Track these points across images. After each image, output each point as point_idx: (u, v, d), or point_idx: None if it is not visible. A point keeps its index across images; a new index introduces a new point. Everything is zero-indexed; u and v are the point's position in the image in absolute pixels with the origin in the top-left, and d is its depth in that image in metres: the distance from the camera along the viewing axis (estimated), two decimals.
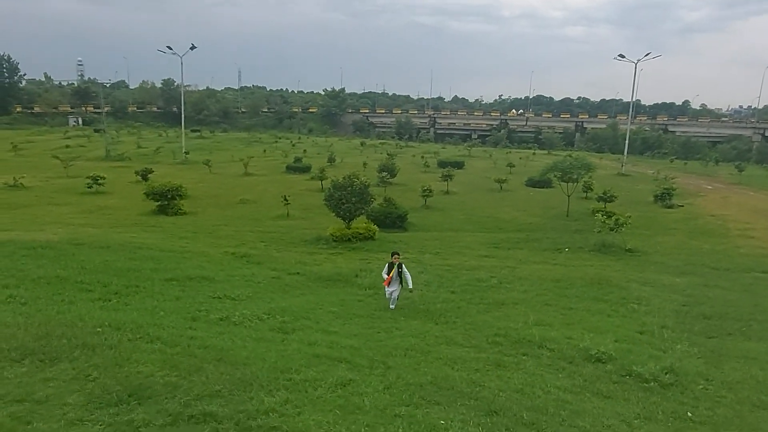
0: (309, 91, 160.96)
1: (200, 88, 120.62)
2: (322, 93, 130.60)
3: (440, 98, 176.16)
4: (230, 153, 53.80)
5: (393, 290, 10.45)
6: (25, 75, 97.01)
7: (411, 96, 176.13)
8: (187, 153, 50.03)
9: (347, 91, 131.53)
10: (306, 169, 43.78)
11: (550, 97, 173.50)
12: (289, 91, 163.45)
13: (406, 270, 10.34)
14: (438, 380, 5.47)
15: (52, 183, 33.79)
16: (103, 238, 16.99)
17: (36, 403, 3.86)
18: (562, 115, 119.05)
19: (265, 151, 59.63)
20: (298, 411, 4.09)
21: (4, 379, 4.39)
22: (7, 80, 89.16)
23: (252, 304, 9.72)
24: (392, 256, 10.58)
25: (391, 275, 10.25)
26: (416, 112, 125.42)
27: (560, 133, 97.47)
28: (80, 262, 12.31)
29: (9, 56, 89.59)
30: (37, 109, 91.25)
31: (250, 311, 8.74)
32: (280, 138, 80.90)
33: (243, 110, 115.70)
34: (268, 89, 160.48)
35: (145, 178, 34.13)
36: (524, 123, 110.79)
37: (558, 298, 12.36)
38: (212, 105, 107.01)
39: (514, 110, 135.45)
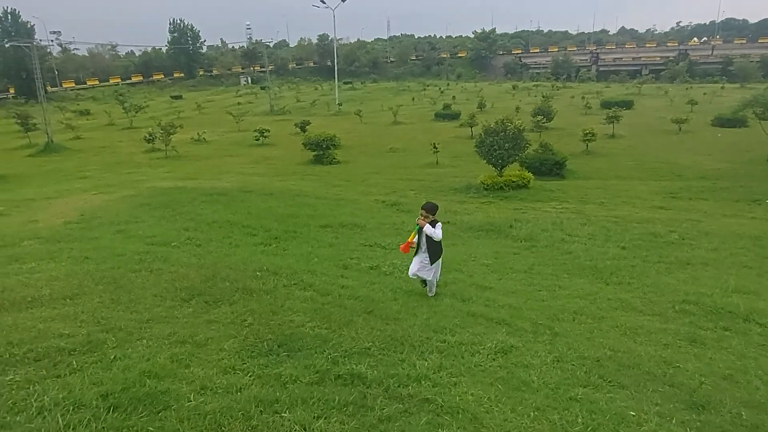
0: (457, 35, 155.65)
1: (351, 41, 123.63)
2: (471, 36, 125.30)
3: (604, 31, 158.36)
4: (380, 102, 54.61)
5: (416, 269, 6.19)
6: (205, 42, 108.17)
7: (569, 31, 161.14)
8: (340, 104, 51.89)
9: (498, 32, 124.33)
10: (455, 116, 42.65)
11: (743, 20, 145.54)
12: (437, 36, 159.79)
13: (434, 232, 5.89)
14: (618, 355, 4.60)
15: (227, 137, 37.49)
16: (268, 186, 18.24)
17: (196, 345, 3.91)
18: (760, 41, 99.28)
19: (413, 99, 59.43)
20: (454, 381, 3.61)
21: (173, 319, 4.58)
22: (191, 47, 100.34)
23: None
24: (422, 214, 6.09)
25: (411, 240, 6.24)
26: (575, 48, 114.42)
27: (757, 61, 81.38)
28: (247, 207, 13.24)
29: (192, 26, 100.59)
30: (215, 72, 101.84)
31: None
32: (428, 85, 79.96)
33: (392, 59, 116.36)
34: (416, 37, 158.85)
35: (303, 129, 36.14)
36: (709, 52, 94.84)
37: (760, 259, 10.20)
38: (363, 56, 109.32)
39: (695, 38, 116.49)
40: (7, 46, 67.61)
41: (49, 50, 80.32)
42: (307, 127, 36.38)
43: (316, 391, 3.24)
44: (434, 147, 27.22)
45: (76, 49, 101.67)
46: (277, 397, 3.13)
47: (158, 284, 5.63)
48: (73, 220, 10.83)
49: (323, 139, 27.44)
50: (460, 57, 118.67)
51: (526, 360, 4.23)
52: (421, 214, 6.01)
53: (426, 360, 3.93)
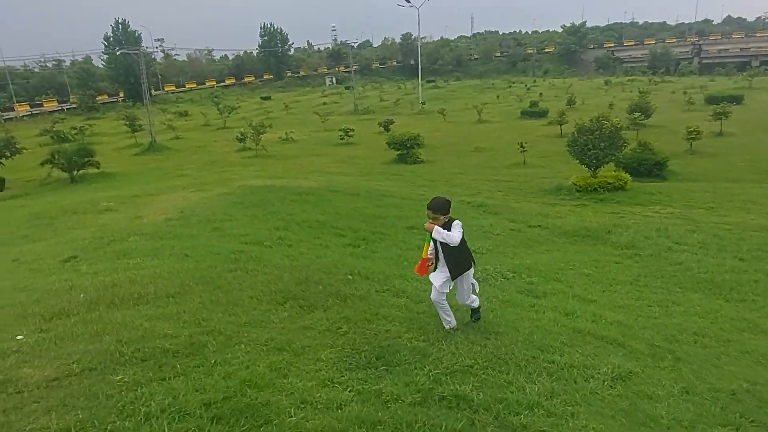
0: (544, 30, 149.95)
1: (434, 39, 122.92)
2: (560, 30, 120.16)
3: (707, 21, 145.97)
4: (463, 101, 53.74)
5: (440, 290, 4.58)
6: (293, 44, 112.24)
7: (668, 22, 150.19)
8: (423, 103, 51.62)
9: (588, 24, 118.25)
10: (542, 114, 41.00)
11: None
12: (523, 32, 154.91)
13: (449, 235, 4.33)
14: (757, 388, 3.99)
15: (313, 136, 38.47)
16: (354, 185, 18.38)
17: (294, 354, 3.83)
18: None
19: (498, 96, 57.93)
20: (570, 411, 3.24)
21: (270, 323, 4.55)
22: (280, 50, 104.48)
23: (494, 259, 9.10)
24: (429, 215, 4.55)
25: (426, 257, 4.72)
26: (675, 40, 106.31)
27: None
28: (335, 207, 13.35)
29: (281, 29, 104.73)
30: (302, 73, 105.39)
31: (492, 267, 8.11)
32: (513, 82, 77.69)
33: (475, 57, 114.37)
34: (500, 33, 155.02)
35: (386, 128, 36.27)
36: None
37: None
38: (446, 54, 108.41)
39: None
40: (118, 53, 73.86)
41: (153, 56, 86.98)
42: (390, 126, 36.49)
43: (420, 414, 3.02)
44: (521, 146, 26.25)
45: (177, 54, 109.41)
46: (379, 418, 2.94)
47: (254, 286, 5.68)
48: (173, 217, 11.40)
49: (407, 139, 27.34)
50: (547, 52, 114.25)
51: (649, 390, 3.75)
52: (428, 215, 4.45)
53: (535, 384, 3.58)
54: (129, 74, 74.76)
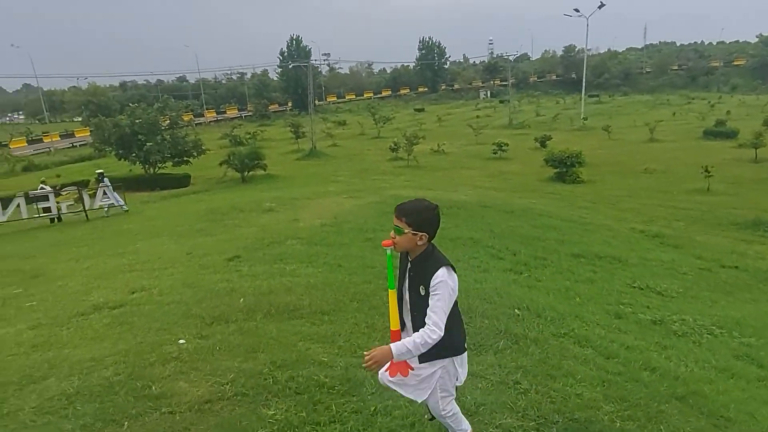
0: (733, 40, 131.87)
1: (600, 51, 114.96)
2: (754, 40, 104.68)
3: None
4: (631, 117, 48.93)
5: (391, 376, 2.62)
6: (449, 57, 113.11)
7: None
8: (585, 119, 48.10)
9: None
10: (731, 135, 35.56)
11: None
12: (706, 43, 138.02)
13: (432, 321, 2.34)
14: None
15: (465, 149, 37.78)
16: (507, 202, 17.26)
17: (467, 412, 3.11)
18: None
19: (674, 114, 51.79)
20: None
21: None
22: (437, 63, 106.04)
23: (688, 306, 7.50)
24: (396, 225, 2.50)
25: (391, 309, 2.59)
26: None
27: None
28: (488, 225, 12.46)
29: (439, 43, 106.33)
30: (456, 86, 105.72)
31: (690, 317, 6.61)
32: (693, 98, 69.15)
33: (647, 70, 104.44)
34: (678, 44, 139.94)
35: (543, 144, 34.25)
36: None
37: None
38: (613, 67, 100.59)
39: None
40: (290, 67, 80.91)
41: (319, 69, 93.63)
42: (547, 142, 34.39)
43: None
44: (705, 170, 22.73)
45: (340, 68, 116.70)
46: None
47: None
48: (328, 223, 11.49)
49: (567, 156, 25.32)
50: (736, 65, 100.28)
51: None
52: (395, 226, 2.49)
53: None
54: (297, 85, 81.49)
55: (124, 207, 19.42)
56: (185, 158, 30.85)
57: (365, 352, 2.33)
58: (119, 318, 4.91)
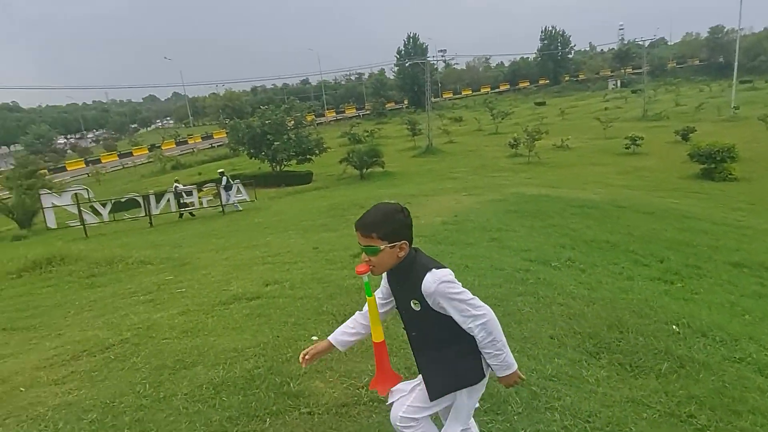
0: None
1: (755, 31, 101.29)
2: None
3: None
4: None
5: (412, 408, 2.20)
6: (574, 46, 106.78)
7: None
8: (736, 108, 42.59)
9: None
10: None
11: None
12: None
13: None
14: None
15: (592, 144, 35.33)
16: (644, 201, 15.71)
17: None
18: None
19: None
20: None
21: (583, 383, 3.49)
22: (560, 53, 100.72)
23: None
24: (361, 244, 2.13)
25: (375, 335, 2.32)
26: None
27: None
28: (626, 227, 11.36)
29: (563, 31, 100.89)
30: (581, 76, 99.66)
31: None
32: None
33: None
34: None
35: (685, 138, 30.89)
36: None
37: None
38: None
39: None
40: (407, 65, 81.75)
41: (436, 66, 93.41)
42: (690, 135, 30.92)
43: None
44: None
45: (456, 63, 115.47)
46: None
47: (550, 319, 4.68)
48: (448, 221, 11.20)
49: (717, 150, 22.50)
50: None
51: None
52: (364, 246, 2.10)
53: None
54: (414, 83, 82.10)
55: (239, 207, 20.54)
56: (308, 156, 32.40)
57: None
58: (256, 310, 5.08)
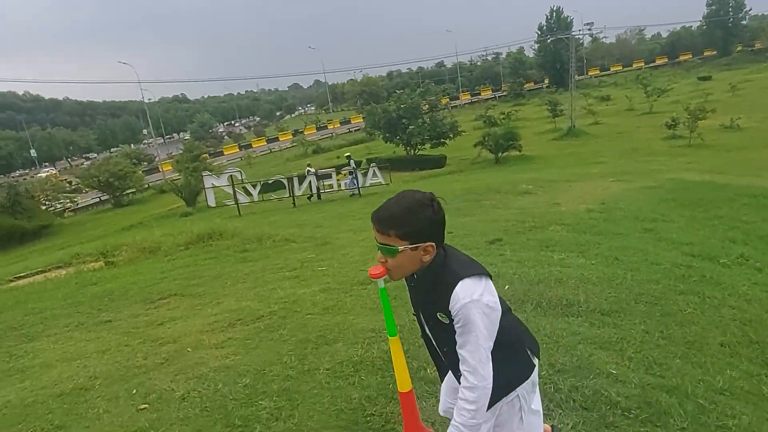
0: None
1: None
2: None
3: None
4: None
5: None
6: (750, 11, 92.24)
7: None
8: None
9: None
10: None
11: None
12: None
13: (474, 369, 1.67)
14: None
15: None
16: None
17: None
18: None
19: None
20: None
21: (763, 401, 2.98)
22: (731, 20, 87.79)
23: None
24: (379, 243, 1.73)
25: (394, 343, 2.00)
26: None
27: None
28: None
29: None
30: (757, 45, 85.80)
31: None
32: None
33: None
34: None
35: None
36: None
37: None
38: None
39: None
40: (548, 41, 77.27)
41: (581, 41, 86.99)
42: None
43: None
44: None
45: (605, 37, 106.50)
46: None
47: (720, 324, 4.09)
48: (594, 209, 10.42)
49: None
50: None
51: None
52: (380, 245, 1.74)
53: None
54: (555, 60, 77.51)
55: (358, 192, 20.84)
56: (442, 140, 32.29)
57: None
58: (393, 292, 5.14)
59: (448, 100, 57.33)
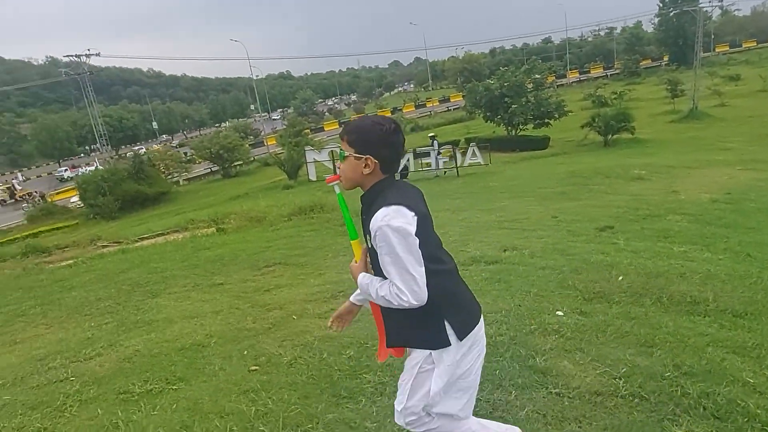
0: None
1: None
2: None
3: None
4: None
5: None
6: None
7: None
8: None
9: None
10: None
11: None
12: None
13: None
14: None
15: None
16: None
17: None
18: None
19: None
20: None
21: None
22: None
23: None
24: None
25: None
26: None
27: None
28: None
29: None
30: None
31: None
32: None
33: None
34: None
35: None
36: None
37: None
38: None
39: None
40: (671, 14, 70.46)
41: (710, 14, 78.43)
42: None
43: None
44: None
45: (737, 10, 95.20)
46: None
47: None
48: (720, 199, 9.45)
49: None
50: None
51: None
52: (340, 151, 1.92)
53: None
54: (678, 36, 70.69)
55: (441, 174, 20.07)
56: (546, 120, 30.81)
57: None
58: (496, 275, 5.00)
59: (554, 78, 54.43)
